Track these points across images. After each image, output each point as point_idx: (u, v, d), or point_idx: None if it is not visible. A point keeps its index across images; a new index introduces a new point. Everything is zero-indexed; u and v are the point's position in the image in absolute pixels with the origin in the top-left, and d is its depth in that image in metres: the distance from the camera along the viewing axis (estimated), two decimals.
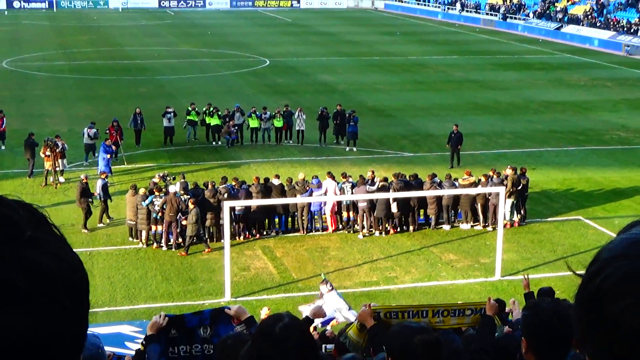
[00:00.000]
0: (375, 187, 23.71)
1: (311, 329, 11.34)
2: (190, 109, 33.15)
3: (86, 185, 23.82)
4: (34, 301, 1.11)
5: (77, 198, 23.72)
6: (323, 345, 10.76)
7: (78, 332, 1.20)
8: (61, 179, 27.78)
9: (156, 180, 24.50)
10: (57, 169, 27.67)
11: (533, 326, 4.47)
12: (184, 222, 22.19)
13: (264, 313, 14.71)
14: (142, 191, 22.81)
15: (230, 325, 7.27)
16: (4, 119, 31.65)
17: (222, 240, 20.81)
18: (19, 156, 30.31)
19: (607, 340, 1.13)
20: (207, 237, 22.84)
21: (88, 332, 1.27)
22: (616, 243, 1.20)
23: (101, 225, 23.99)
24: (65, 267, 1.18)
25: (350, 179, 24.35)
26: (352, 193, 23.73)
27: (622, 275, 1.14)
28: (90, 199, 23.68)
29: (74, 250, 1.25)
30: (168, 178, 25.24)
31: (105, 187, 24.16)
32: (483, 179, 24.43)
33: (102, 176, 24.87)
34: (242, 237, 23.33)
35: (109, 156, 27.40)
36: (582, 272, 1.25)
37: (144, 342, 7.83)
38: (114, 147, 28.45)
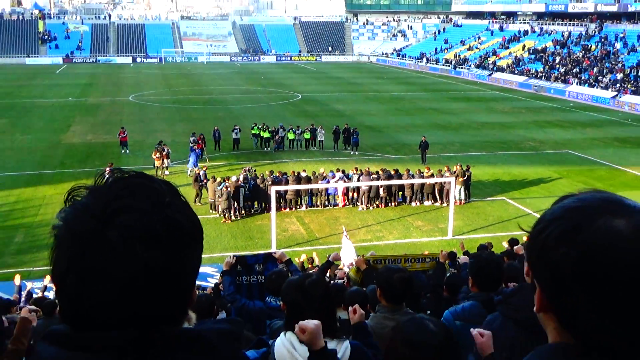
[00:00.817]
0: (373, 175, 23.63)
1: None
2: (253, 125, 33.20)
3: (198, 175, 24.16)
4: (170, 244, 1.15)
5: (192, 183, 23.98)
6: (333, 281, 10.68)
7: (196, 265, 1.22)
8: (166, 172, 27.81)
9: (243, 173, 24.13)
10: (164, 166, 27.79)
11: (476, 269, 4.39)
12: (218, 200, 21.99)
13: (303, 257, 14.65)
14: (218, 179, 22.82)
15: (276, 264, 7.27)
16: (126, 132, 31.88)
17: (270, 212, 20.77)
18: (139, 158, 30.45)
19: (551, 275, 1.11)
20: (240, 212, 22.36)
21: None
22: (555, 209, 1.17)
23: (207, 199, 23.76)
24: (190, 223, 1.21)
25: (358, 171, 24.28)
26: (358, 180, 23.64)
27: (560, 232, 1.11)
28: (200, 184, 23.77)
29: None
30: (252, 169, 25.10)
31: (205, 175, 24.34)
32: (438, 173, 24.28)
33: (204, 168, 25.18)
34: (283, 210, 23.26)
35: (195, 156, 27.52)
36: (528, 230, 1.21)
37: (220, 274, 7.85)
38: (197, 151, 28.47)
